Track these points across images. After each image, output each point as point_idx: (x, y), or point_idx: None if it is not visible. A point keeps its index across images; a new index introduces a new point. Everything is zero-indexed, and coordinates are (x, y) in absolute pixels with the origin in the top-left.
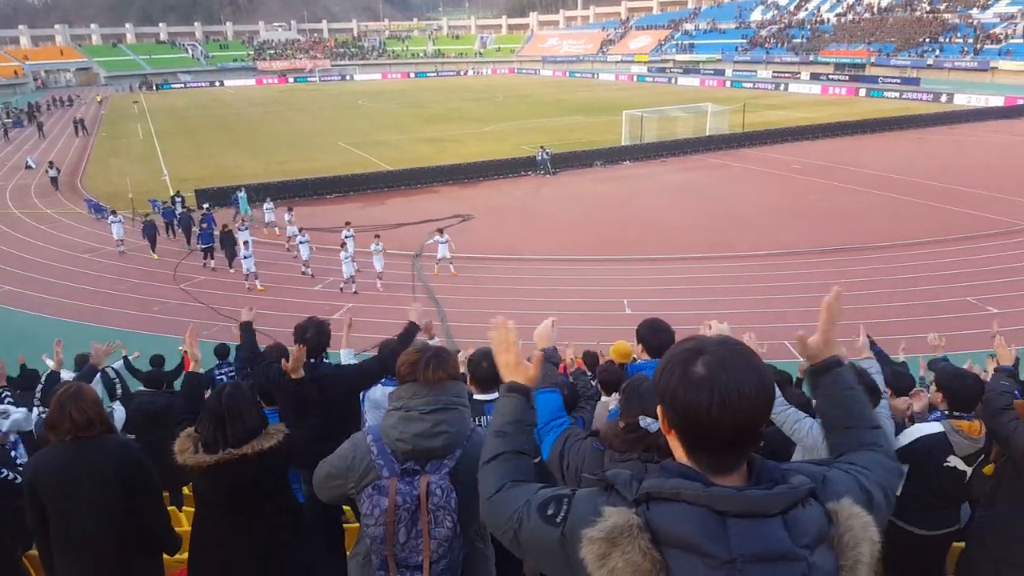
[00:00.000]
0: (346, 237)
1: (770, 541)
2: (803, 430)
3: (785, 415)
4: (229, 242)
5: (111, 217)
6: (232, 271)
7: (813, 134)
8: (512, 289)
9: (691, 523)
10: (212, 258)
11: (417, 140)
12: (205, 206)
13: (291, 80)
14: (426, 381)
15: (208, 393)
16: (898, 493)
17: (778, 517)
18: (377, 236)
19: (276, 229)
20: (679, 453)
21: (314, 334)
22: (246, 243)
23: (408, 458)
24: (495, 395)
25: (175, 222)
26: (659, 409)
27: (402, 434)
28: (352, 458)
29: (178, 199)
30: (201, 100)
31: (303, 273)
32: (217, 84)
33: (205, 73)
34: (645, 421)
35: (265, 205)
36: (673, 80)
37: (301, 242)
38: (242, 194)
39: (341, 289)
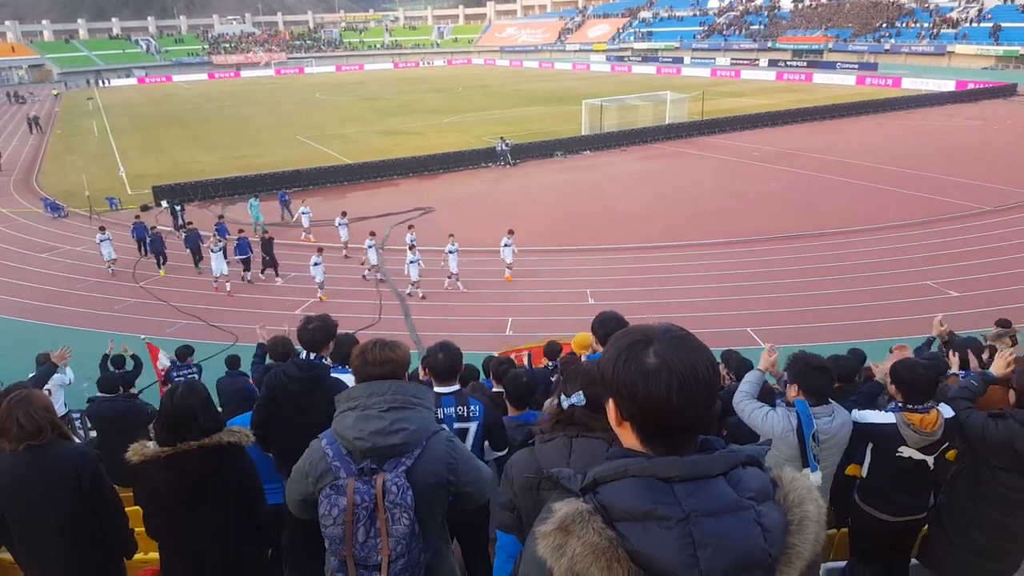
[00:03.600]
0: (412, 241)
1: (717, 496)
2: (758, 418)
3: (744, 404)
4: (269, 249)
5: (99, 235)
6: (279, 280)
7: (772, 121)
8: (474, 281)
9: (640, 493)
10: (249, 269)
11: (376, 133)
12: (164, 203)
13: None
14: (374, 361)
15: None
16: (864, 476)
17: (720, 477)
18: (452, 236)
19: (310, 236)
20: (631, 443)
21: (318, 326)
22: (320, 250)
23: (366, 456)
24: (455, 387)
25: (178, 235)
26: (611, 403)
27: (360, 432)
28: (308, 464)
29: (178, 208)
30: (155, 95)
31: (366, 277)
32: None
33: (160, 68)
34: (566, 401)
35: (301, 209)
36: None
37: (369, 246)
38: (256, 201)
39: (409, 294)
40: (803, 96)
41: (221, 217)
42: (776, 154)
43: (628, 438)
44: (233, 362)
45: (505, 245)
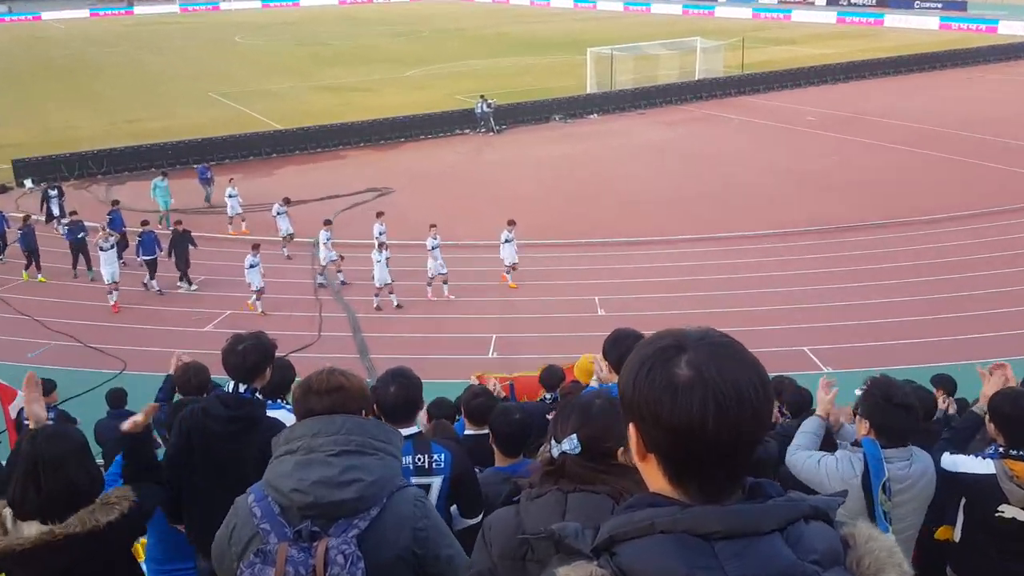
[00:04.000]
0: (380, 234)
1: (770, 558)
2: (811, 467)
3: (796, 457)
4: (182, 246)
5: None
6: (192, 288)
7: (832, 76)
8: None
9: (670, 554)
10: (154, 276)
11: (314, 89)
12: (29, 183)
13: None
14: (320, 389)
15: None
16: (956, 540)
17: (775, 533)
18: (433, 227)
19: (243, 226)
20: (659, 484)
21: (251, 346)
22: (256, 247)
23: (307, 515)
24: (413, 429)
25: (57, 230)
26: (631, 430)
27: (300, 482)
28: (233, 527)
29: (53, 192)
30: (20, 37)
31: (322, 284)
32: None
33: (24, 2)
34: (556, 448)
35: (228, 190)
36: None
37: (325, 240)
38: (162, 181)
39: (378, 306)
40: (871, 44)
41: (116, 203)
42: (837, 119)
43: (654, 477)
44: (117, 398)
45: (506, 241)
